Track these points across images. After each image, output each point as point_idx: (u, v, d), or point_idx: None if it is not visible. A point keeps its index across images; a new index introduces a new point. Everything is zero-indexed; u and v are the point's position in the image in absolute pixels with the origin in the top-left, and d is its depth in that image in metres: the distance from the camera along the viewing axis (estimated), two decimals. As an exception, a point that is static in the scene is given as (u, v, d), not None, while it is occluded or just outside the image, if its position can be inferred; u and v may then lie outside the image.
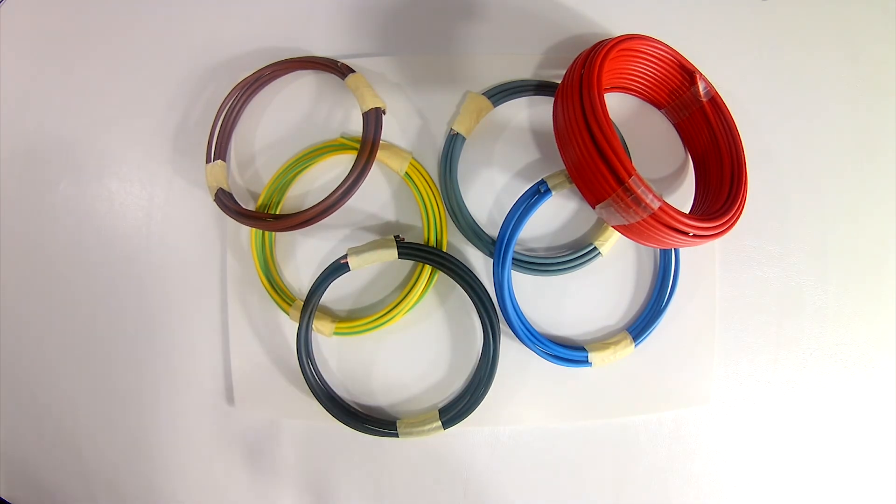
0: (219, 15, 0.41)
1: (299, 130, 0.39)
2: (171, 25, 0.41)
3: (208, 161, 0.38)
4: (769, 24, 0.41)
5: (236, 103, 0.38)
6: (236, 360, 0.38)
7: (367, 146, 0.35)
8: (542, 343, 0.36)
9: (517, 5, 0.40)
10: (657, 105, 0.40)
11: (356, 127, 0.39)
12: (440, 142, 0.39)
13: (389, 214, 0.38)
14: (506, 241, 0.35)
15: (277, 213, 0.38)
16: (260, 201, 0.38)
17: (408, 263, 0.38)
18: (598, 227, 0.38)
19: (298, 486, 0.39)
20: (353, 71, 0.37)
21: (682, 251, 0.38)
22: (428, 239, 0.37)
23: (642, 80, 0.38)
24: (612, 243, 0.38)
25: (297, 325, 0.36)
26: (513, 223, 0.35)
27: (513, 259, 0.36)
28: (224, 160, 0.38)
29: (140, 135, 0.40)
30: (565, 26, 0.40)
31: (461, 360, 0.38)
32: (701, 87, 0.37)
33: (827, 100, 0.41)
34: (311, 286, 0.36)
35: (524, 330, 0.36)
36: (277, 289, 0.38)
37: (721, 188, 0.36)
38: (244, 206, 0.37)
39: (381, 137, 0.36)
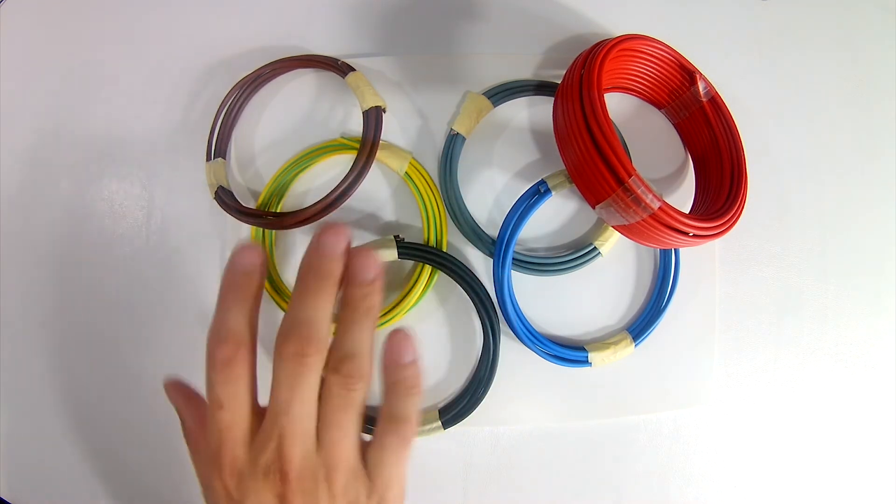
0: (219, 14, 0.41)
1: (300, 129, 0.39)
2: (171, 25, 0.41)
3: (208, 159, 0.38)
4: (769, 24, 0.41)
5: (236, 101, 0.38)
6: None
7: (367, 145, 0.35)
8: (542, 343, 0.36)
9: (517, 5, 0.40)
10: (657, 105, 0.40)
11: (356, 126, 0.39)
12: (440, 142, 0.39)
13: (389, 214, 0.38)
14: (506, 241, 0.35)
15: (278, 211, 0.38)
16: (260, 199, 0.38)
17: (407, 263, 0.38)
18: (598, 227, 0.38)
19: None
20: (353, 69, 0.37)
21: (682, 251, 0.38)
22: (428, 239, 0.37)
23: (642, 80, 0.38)
24: (612, 243, 0.38)
25: (297, 324, 0.36)
26: (513, 223, 0.35)
27: (513, 259, 0.36)
28: (224, 158, 0.38)
29: (140, 134, 0.40)
30: (565, 26, 0.40)
31: (461, 360, 0.38)
32: (701, 87, 0.37)
33: (827, 100, 0.41)
34: (311, 286, 0.36)
35: (524, 330, 0.36)
36: (277, 288, 0.38)
37: (721, 188, 0.36)
38: (244, 205, 0.37)
39: (381, 137, 0.36)
